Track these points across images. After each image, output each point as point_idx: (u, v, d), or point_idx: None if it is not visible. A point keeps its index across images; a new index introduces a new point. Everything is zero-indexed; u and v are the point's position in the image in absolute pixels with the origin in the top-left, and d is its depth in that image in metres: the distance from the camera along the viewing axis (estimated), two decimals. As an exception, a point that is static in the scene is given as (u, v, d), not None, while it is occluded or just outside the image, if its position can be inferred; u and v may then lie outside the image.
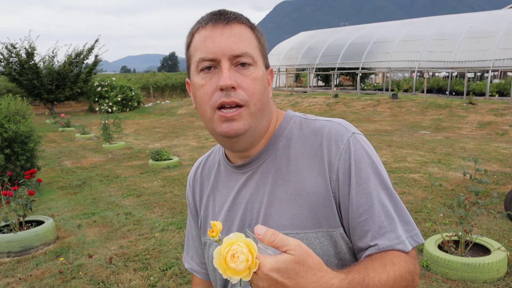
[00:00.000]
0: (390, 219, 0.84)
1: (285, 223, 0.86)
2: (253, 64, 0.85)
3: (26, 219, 4.44)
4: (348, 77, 26.30)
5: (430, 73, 20.39)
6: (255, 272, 0.64)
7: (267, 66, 0.92)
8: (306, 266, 0.65)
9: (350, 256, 0.89)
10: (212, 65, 0.84)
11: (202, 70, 0.85)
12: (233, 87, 0.82)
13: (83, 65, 20.46)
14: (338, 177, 0.85)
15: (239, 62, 0.84)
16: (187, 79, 0.94)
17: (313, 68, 22.27)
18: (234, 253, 0.62)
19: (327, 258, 0.86)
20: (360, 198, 0.84)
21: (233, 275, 0.63)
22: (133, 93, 20.62)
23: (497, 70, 18.05)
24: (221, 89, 0.82)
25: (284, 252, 0.64)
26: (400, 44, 19.57)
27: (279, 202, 0.88)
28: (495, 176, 6.21)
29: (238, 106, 0.84)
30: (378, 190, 0.85)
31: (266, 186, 0.91)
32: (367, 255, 0.83)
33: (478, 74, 20.11)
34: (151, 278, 3.55)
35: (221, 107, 0.84)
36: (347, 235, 0.87)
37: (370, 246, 0.83)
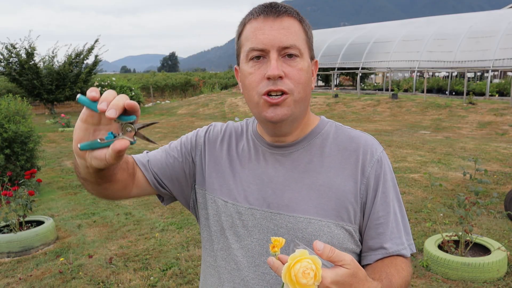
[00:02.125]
0: (399, 227, 0.97)
1: (309, 209, 0.93)
2: (300, 56, 0.90)
3: (26, 219, 4.44)
4: (348, 77, 26.30)
5: (430, 73, 20.41)
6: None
7: (312, 58, 0.97)
8: (357, 278, 0.73)
9: (353, 251, 0.97)
10: (261, 55, 0.89)
11: (251, 59, 0.90)
12: (280, 77, 0.88)
13: (83, 65, 20.43)
14: (368, 182, 0.95)
15: (286, 53, 0.89)
16: (235, 66, 1.01)
17: (313, 68, 22.21)
18: (305, 270, 0.68)
19: (339, 249, 0.90)
20: (381, 205, 0.96)
21: None
22: (133, 93, 20.60)
23: (497, 70, 18.08)
24: (268, 78, 0.88)
25: (340, 266, 0.71)
26: (400, 44, 19.57)
27: (307, 189, 0.95)
28: (495, 176, 6.21)
29: (284, 93, 0.89)
30: (394, 202, 0.98)
31: (295, 172, 0.97)
32: (378, 259, 0.95)
33: (478, 74, 20.12)
34: (151, 278, 3.55)
35: (268, 94, 0.89)
36: (359, 233, 0.98)
37: (381, 248, 0.95)
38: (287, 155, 0.99)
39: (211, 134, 1.10)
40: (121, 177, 0.93)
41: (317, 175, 0.95)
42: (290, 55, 0.89)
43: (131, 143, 0.69)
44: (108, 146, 0.70)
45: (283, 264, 0.70)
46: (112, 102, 0.68)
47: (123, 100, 0.69)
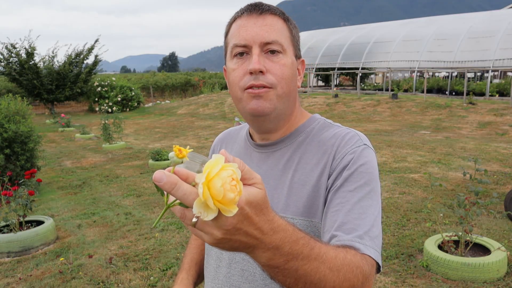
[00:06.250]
0: (363, 223, 0.81)
1: (282, 207, 0.92)
2: (283, 52, 0.91)
3: (26, 219, 4.44)
4: (348, 77, 26.30)
5: (430, 73, 20.40)
6: None
7: (298, 57, 0.98)
8: (267, 203, 0.61)
9: None
10: (244, 51, 0.91)
11: (235, 55, 0.92)
12: (261, 71, 0.89)
13: (83, 65, 20.45)
14: (333, 172, 0.89)
15: (269, 49, 0.90)
16: (224, 66, 1.02)
17: (313, 68, 22.28)
18: (231, 181, 0.51)
19: None
20: (342, 192, 0.85)
21: (224, 207, 0.52)
22: (133, 93, 20.61)
23: (497, 70, 18.06)
24: (251, 73, 0.89)
25: (251, 185, 0.59)
26: (400, 44, 19.56)
27: (282, 187, 0.94)
28: (495, 176, 6.21)
29: (266, 87, 0.90)
30: (365, 194, 0.84)
31: (275, 171, 0.97)
32: None
33: (478, 74, 20.11)
34: (151, 278, 3.55)
35: (250, 87, 0.90)
36: None
37: (333, 237, 0.80)
38: (270, 154, 1.00)
39: (214, 151, 1.18)
40: None
41: (294, 172, 0.94)
42: (273, 51, 0.90)
43: None
44: None
45: (182, 179, 0.53)
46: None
47: None
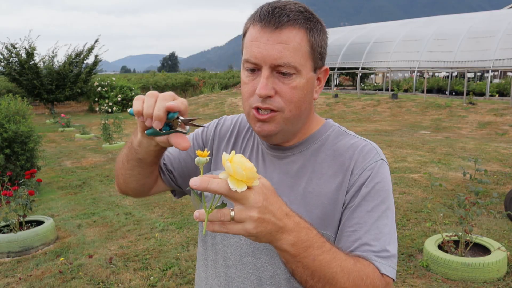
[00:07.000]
0: (379, 244, 0.84)
1: None
2: (296, 73, 0.85)
3: (26, 219, 4.44)
4: (348, 77, 26.31)
5: (430, 73, 20.41)
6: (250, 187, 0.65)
7: (319, 67, 0.91)
8: (275, 190, 0.70)
9: None
10: (255, 67, 0.87)
11: (247, 69, 0.89)
12: (269, 96, 0.85)
13: (83, 65, 20.42)
14: (351, 188, 0.89)
15: (280, 71, 0.85)
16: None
17: (313, 68, 22.24)
18: (244, 158, 0.64)
19: None
20: (360, 212, 0.86)
21: (246, 181, 0.63)
22: (133, 93, 20.59)
23: (497, 70, 18.08)
24: None
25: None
26: (400, 44, 19.57)
27: (295, 195, 0.92)
28: (495, 176, 6.21)
29: (273, 111, 0.87)
30: (381, 213, 0.87)
31: (287, 177, 0.95)
32: None
33: (478, 74, 20.12)
34: (151, 278, 3.55)
35: (257, 109, 0.88)
36: None
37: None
38: (283, 158, 0.97)
39: (221, 129, 1.10)
40: (155, 170, 1.02)
41: (308, 181, 0.92)
42: (284, 73, 0.85)
43: (186, 133, 0.79)
44: (166, 135, 0.79)
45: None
46: (154, 113, 0.74)
47: (163, 106, 0.74)
